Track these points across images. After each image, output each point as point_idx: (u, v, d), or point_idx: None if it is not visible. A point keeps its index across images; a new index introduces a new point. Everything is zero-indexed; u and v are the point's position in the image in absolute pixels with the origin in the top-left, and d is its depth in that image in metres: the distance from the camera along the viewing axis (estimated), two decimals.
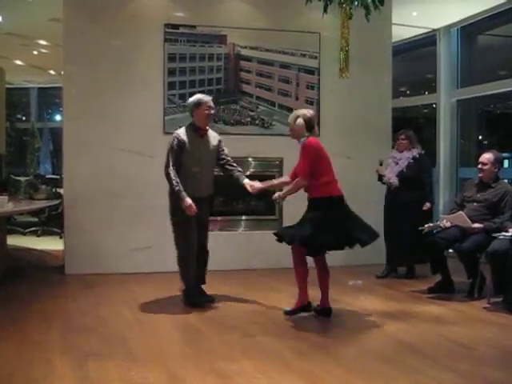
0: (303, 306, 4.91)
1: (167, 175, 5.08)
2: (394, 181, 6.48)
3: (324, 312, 4.89)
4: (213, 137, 5.35)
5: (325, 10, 5.00)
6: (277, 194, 5.14)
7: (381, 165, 6.65)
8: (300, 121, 4.87)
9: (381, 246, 7.48)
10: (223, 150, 5.39)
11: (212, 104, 5.27)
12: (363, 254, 7.21)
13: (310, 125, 4.90)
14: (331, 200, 4.80)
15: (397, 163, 6.53)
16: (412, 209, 6.36)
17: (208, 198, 5.36)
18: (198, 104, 5.19)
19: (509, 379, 3.49)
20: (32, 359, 3.73)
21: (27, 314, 4.85)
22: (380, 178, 6.68)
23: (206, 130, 5.29)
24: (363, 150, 7.43)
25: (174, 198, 5.10)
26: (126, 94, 6.77)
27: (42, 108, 14.46)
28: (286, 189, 5.10)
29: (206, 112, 5.19)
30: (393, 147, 6.94)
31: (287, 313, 4.90)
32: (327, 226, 4.65)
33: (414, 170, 6.44)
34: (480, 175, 5.75)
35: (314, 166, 4.79)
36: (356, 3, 4.94)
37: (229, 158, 5.40)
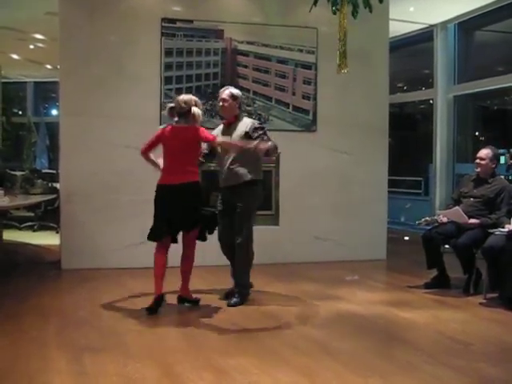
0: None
1: None
2: None
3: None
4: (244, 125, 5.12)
5: (314, 4, 4.98)
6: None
7: None
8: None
9: (378, 242, 7.53)
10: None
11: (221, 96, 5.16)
12: (361, 250, 7.29)
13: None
14: None
15: None
16: None
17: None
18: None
19: (505, 375, 3.50)
20: (28, 354, 3.72)
21: (23, 309, 4.84)
22: None
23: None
24: (360, 146, 7.43)
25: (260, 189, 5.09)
26: (123, 89, 6.74)
27: (39, 102, 14.39)
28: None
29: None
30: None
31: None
32: None
33: None
34: (477, 170, 5.77)
35: None
36: None
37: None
